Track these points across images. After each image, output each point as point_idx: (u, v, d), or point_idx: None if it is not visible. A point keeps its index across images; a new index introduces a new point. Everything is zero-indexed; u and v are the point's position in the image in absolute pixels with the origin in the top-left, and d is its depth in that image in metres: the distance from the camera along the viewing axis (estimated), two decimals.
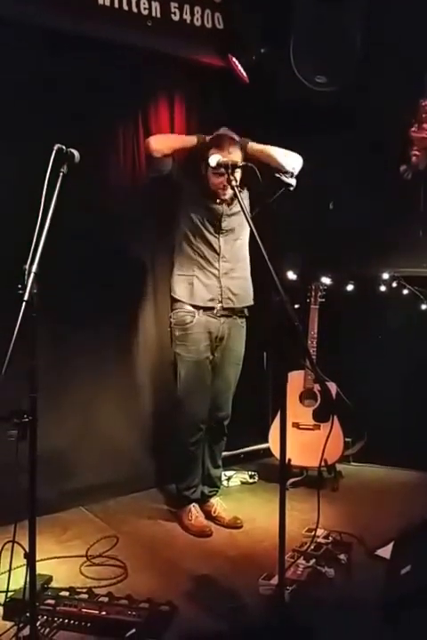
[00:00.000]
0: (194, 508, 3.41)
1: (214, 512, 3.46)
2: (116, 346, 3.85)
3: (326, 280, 4.21)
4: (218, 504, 3.52)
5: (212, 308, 3.31)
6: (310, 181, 4.13)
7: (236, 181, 2.30)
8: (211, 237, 3.28)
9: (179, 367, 3.37)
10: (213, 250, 3.29)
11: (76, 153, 2.25)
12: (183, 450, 3.40)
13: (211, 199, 3.24)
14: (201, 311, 3.30)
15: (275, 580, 2.58)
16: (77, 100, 3.45)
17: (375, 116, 3.96)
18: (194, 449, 3.41)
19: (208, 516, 3.45)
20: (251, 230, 2.24)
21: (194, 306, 3.31)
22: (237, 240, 3.35)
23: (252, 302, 3.49)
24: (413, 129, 4.05)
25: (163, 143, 3.19)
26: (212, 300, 3.31)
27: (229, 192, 3.10)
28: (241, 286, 3.39)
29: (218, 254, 3.30)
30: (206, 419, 3.41)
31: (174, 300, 3.38)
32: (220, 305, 3.32)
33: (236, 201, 3.13)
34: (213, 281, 3.31)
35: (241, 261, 3.39)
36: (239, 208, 3.09)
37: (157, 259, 3.98)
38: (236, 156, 2.98)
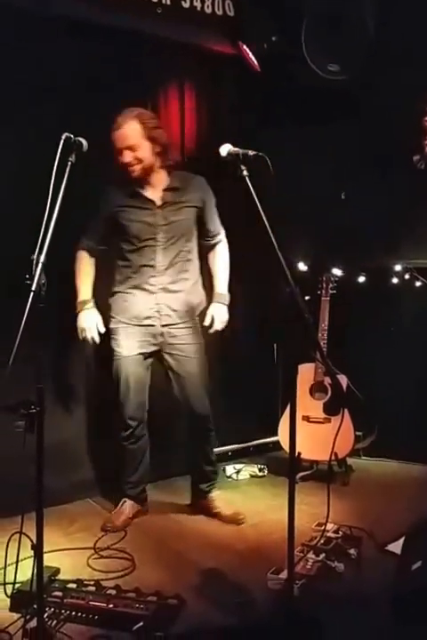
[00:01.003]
0: (124, 504, 3.33)
1: (214, 508, 3.39)
2: None
3: (337, 272, 4.18)
4: (218, 499, 3.45)
5: (150, 325, 3.21)
6: (322, 171, 4.12)
7: (247, 172, 2.27)
8: (146, 251, 3.14)
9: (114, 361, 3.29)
10: (149, 264, 3.15)
11: (84, 142, 2.24)
12: (119, 444, 3.33)
13: (144, 210, 3.13)
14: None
15: (284, 575, 2.57)
16: (85, 89, 3.43)
17: (388, 105, 3.92)
18: (127, 444, 3.31)
19: (208, 512, 3.39)
20: (261, 220, 2.21)
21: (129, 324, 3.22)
22: (180, 252, 3.20)
23: (197, 313, 3.33)
24: (426, 118, 4.01)
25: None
26: (148, 317, 3.19)
27: (138, 168, 3.10)
28: (183, 301, 3.22)
29: (154, 268, 3.15)
30: (139, 416, 3.32)
31: (111, 316, 3.26)
32: (158, 322, 3.20)
33: (174, 210, 3.15)
34: (150, 297, 3.18)
35: (185, 273, 3.23)
36: (179, 217, 3.16)
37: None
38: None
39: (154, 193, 3.17)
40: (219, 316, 3.30)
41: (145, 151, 3.10)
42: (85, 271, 3.20)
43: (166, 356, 3.27)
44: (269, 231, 2.20)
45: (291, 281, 2.20)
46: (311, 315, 2.30)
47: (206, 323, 3.26)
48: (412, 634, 2.29)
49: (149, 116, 3.19)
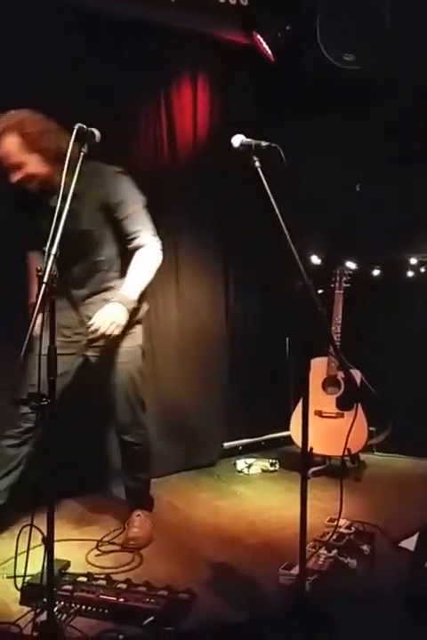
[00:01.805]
0: None
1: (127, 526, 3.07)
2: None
3: (351, 265, 4.15)
4: (135, 521, 3.06)
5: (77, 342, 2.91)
6: (336, 163, 4.09)
7: (259, 163, 2.25)
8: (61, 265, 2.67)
9: None
10: (64, 279, 2.62)
11: (96, 132, 2.23)
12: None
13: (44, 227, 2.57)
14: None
15: (296, 570, 2.56)
16: (98, 79, 3.42)
17: (404, 94, 3.88)
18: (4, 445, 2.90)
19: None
20: (274, 213, 2.19)
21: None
22: (95, 262, 2.85)
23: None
24: None
25: None
26: (77, 333, 2.91)
27: (35, 183, 2.69)
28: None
29: (69, 282, 2.84)
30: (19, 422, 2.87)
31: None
32: (83, 337, 2.88)
33: (78, 220, 2.68)
34: (72, 312, 2.91)
35: (103, 283, 2.89)
36: (88, 227, 2.76)
37: (180, 241, 3.98)
38: None
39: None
40: (107, 314, 2.70)
41: (35, 165, 2.66)
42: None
43: (91, 353, 2.98)
44: (282, 224, 2.19)
45: (304, 274, 2.18)
46: (325, 308, 2.28)
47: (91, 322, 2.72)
48: (425, 631, 2.27)
49: (32, 121, 2.64)
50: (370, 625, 2.35)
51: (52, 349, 2.04)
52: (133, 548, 2.93)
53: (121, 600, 2.40)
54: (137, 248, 2.84)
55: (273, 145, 2.23)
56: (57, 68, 3.29)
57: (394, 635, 2.31)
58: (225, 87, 4.05)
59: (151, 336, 3.91)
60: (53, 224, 2.06)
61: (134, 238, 2.84)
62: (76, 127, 2.17)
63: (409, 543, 2.90)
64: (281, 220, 2.19)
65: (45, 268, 2.02)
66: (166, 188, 3.82)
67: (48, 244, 2.06)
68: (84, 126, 2.20)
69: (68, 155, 2.10)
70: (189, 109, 3.92)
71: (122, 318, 2.73)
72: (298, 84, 3.90)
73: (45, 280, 2.01)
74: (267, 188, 2.20)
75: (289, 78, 3.92)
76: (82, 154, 2.19)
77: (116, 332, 2.73)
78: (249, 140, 2.27)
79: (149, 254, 2.85)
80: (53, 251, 2.05)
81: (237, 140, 2.29)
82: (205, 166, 3.94)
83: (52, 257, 2.04)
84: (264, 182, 2.20)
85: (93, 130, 2.23)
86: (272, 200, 2.19)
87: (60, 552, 2.70)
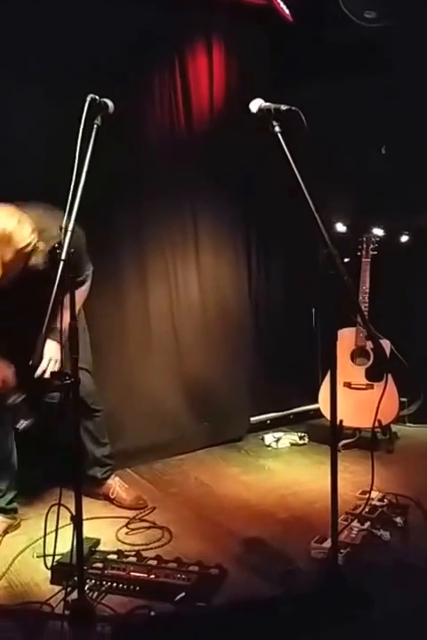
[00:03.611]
0: None
1: (112, 494, 3.21)
2: (160, 307, 3.86)
3: (378, 231, 4.08)
4: (116, 485, 3.24)
5: None
6: (360, 126, 4.01)
7: (279, 128, 2.20)
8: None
9: None
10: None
11: (109, 103, 2.20)
12: None
13: None
14: None
15: (328, 544, 2.56)
16: (110, 46, 3.35)
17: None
18: None
19: (107, 498, 3.22)
20: (295, 179, 2.15)
21: None
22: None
23: None
24: None
25: None
26: None
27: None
28: None
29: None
30: None
31: None
32: None
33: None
34: None
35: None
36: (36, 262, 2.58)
37: (199, 214, 3.94)
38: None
39: None
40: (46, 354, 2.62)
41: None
42: None
43: None
44: (305, 190, 2.14)
45: (329, 242, 2.14)
46: (352, 277, 2.24)
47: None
48: None
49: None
50: (404, 597, 2.34)
51: (73, 326, 2.05)
52: (144, 506, 3.14)
53: (152, 577, 2.43)
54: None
55: (293, 108, 2.17)
56: (69, 39, 3.24)
57: None
58: (242, 51, 3.96)
59: (172, 312, 3.91)
60: (70, 199, 2.04)
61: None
62: (89, 98, 2.13)
63: None
64: (303, 186, 2.14)
65: (63, 245, 2.01)
66: (184, 157, 3.78)
67: (65, 219, 2.05)
68: (97, 97, 2.16)
69: (81, 127, 2.06)
70: (204, 75, 3.85)
71: (58, 354, 2.63)
72: (318, 45, 3.81)
73: (63, 257, 2.00)
74: (288, 154, 2.16)
75: (309, 39, 3.83)
76: (96, 126, 2.16)
77: (57, 367, 2.65)
78: (268, 103, 2.22)
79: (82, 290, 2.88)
80: (70, 226, 2.04)
81: (256, 104, 2.24)
82: (223, 133, 3.87)
83: (69, 233, 2.03)
84: (285, 147, 2.16)
85: (106, 100, 2.20)
86: (294, 166, 2.15)
87: (90, 530, 2.74)
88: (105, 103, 2.19)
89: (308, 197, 2.16)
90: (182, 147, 3.80)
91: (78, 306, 2.78)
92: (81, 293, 2.89)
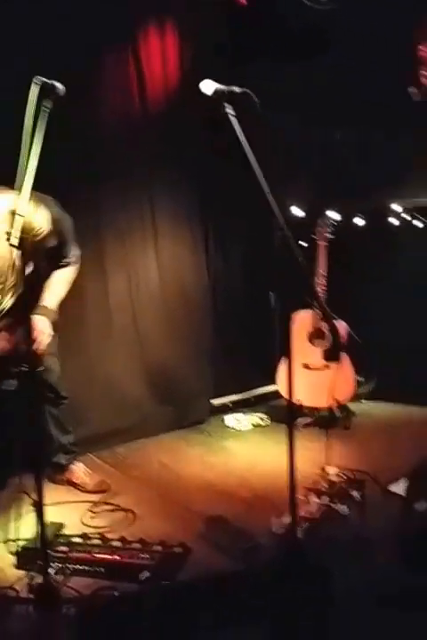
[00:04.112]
0: None
1: (76, 479, 3.24)
2: (119, 293, 3.85)
3: (334, 215, 4.14)
4: (80, 470, 3.27)
5: None
6: (316, 109, 4.03)
7: (232, 110, 2.20)
8: None
9: None
10: None
11: (59, 86, 2.13)
12: None
13: None
14: None
15: (287, 519, 2.61)
16: (62, 29, 3.29)
17: (382, 35, 3.82)
18: None
19: (70, 483, 3.24)
20: (248, 162, 2.16)
21: None
22: None
23: None
24: (421, 48, 3.92)
25: None
26: None
27: None
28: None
29: None
30: None
31: None
32: None
33: None
34: None
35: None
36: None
37: (156, 199, 3.93)
38: None
39: None
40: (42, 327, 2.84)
41: None
42: None
43: None
44: (258, 174, 2.15)
45: (283, 225, 2.16)
46: (309, 261, 2.27)
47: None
48: (416, 574, 2.33)
49: None
50: (362, 569, 2.41)
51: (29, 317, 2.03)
52: (107, 490, 3.15)
53: (116, 558, 2.44)
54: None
55: (246, 90, 2.17)
56: (19, 20, 3.16)
57: (387, 579, 2.37)
58: (195, 33, 3.94)
59: (132, 298, 3.90)
60: (21, 184, 2.02)
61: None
62: (36, 81, 2.07)
63: (399, 487, 2.96)
64: (257, 169, 2.15)
65: (14, 230, 2.00)
66: (139, 141, 3.76)
67: (16, 205, 2.03)
68: (45, 79, 2.10)
69: (28, 111, 2.02)
70: (158, 59, 3.81)
71: (49, 329, 2.88)
72: (271, 27, 3.81)
73: (15, 243, 1.99)
74: (240, 137, 2.15)
75: (262, 21, 3.82)
76: (45, 110, 2.10)
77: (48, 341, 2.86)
78: (220, 85, 2.21)
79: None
80: (21, 212, 2.02)
81: (208, 86, 2.22)
82: (178, 116, 3.85)
83: (20, 219, 2.01)
84: (237, 130, 2.15)
85: (55, 83, 2.13)
86: (247, 149, 2.15)
87: (54, 515, 2.74)
88: (54, 86, 2.12)
89: (261, 180, 2.17)
90: (138, 131, 3.77)
91: (64, 288, 3.00)
92: (65, 276, 3.01)
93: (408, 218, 4.22)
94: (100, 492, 3.16)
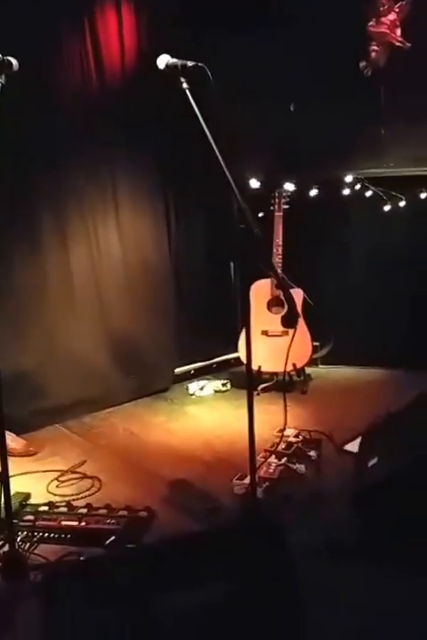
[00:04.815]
0: None
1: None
2: (82, 266, 3.78)
3: (289, 186, 4.13)
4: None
5: None
6: (269, 83, 3.99)
7: (187, 84, 2.16)
8: None
9: None
10: None
11: (14, 61, 2.07)
12: None
13: None
14: None
15: (248, 480, 2.63)
16: (15, 3, 3.18)
17: (334, 11, 3.78)
18: None
19: None
20: (204, 135, 2.12)
21: None
22: None
23: None
24: (371, 24, 3.90)
25: None
26: None
27: None
28: None
29: None
30: None
31: None
32: None
33: None
34: None
35: None
36: None
37: (117, 172, 3.86)
38: None
39: None
40: None
41: None
42: None
43: None
44: (214, 146, 2.12)
45: (239, 197, 2.14)
46: (265, 231, 2.26)
47: None
48: (369, 527, 2.38)
49: None
50: (319, 525, 2.45)
51: None
52: (34, 453, 3.19)
53: (82, 524, 2.43)
54: None
55: (199, 64, 2.13)
56: None
57: (342, 531, 2.42)
58: (151, 7, 3.84)
59: (94, 270, 3.84)
60: None
61: None
62: None
63: (353, 446, 3.00)
64: (213, 142, 2.12)
65: None
66: (98, 116, 3.67)
67: None
68: (1, 55, 2.04)
69: None
70: (114, 33, 3.71)
71: None
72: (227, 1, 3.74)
73: None
74: (196, 110, 2.12)
75: None
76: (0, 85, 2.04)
77: None
78: (175, 60, 2.17)
79: None
80: None
81: (163, 60, 2.18)
82: (136, 91, 3.77)
83: None
84: (193, 103, 2.12)
85: (10, 58, 2.06)
86: (202, 122, 2.12)
87: (21, 485, 2.71)
88: (9, 61, 2.06)
89: (217, 153, 2.14)
90: (96, 105, 3.68)
91: None
92: None
93: (358, 187, 4.23)
94: (28, 456, 3.16)
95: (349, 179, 4.25)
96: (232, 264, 4.46)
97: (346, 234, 4.34)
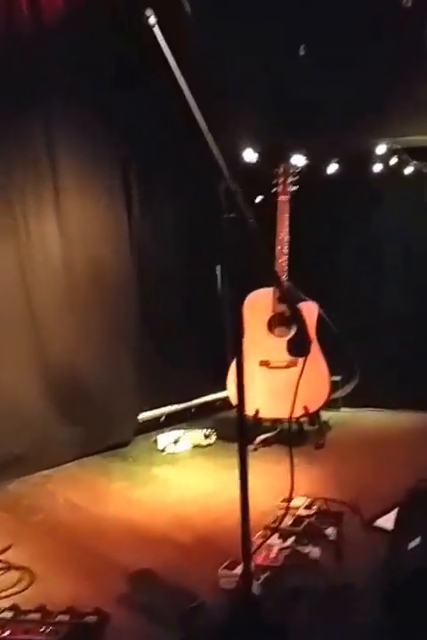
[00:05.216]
0: None
1: None
2: (6, 271, 3.81)
3: (299, 160, 4.19)
4: None
5: None
6: (273, 15, 4.05)
7: (154, 18, 2.19)
8: None
9: None
10: None
11: None
12: None
13: None
14: None
15: (240, 569, 2.64)
16: None
17: None
18: None
19: None
20: (177, 87, 2.16)
21: None
22: None
23: None
24: None
25: None
26: None
27: None
28: None
29: None
30: None
31: None
32: None
33: None
34: None
35: None
36: None
37: (57, 142, 3.90)
38: None
39: None
40: None
41: None
42: None
43: None
44: (192, 105, 2.15)
45: (226, 174, 2.18)
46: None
47: None
48: (409, 630, 2.40)
49: None
50: (339, 632, 2.46)
51: None
52: None
53: (5, 634, 2.42)
54: None
55: None
56: None
57: (370, 638, 2.44)
58: None
59: (25, 277, 3.85)
60: None
61: None
62: None
63: (387, 521, 3.03)
64: (190, 97, 2.16)
65: None
66: (29, 62, 3.72)
67: None
68: None
69: None
70: None
71: None
72: None
73: None
74: (166, 51, 2.14)
75: None
76: None
77: None
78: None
79: None
80: None
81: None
82: (83, 26, 3.83)
83: None
84: (162, 44, 2.14)
85: None
86: (174, 67, 2.14)
87: None
88: None
89: (196, 113, 2.17)
90: (27, 48, 3.73)
91: None
92: None
93: (395, 161, 4.30)
94: None
95: (381, 149, 4.32)
96: (219, 268, 4.51)
97: (376, 227, 4.40)
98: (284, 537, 2.91)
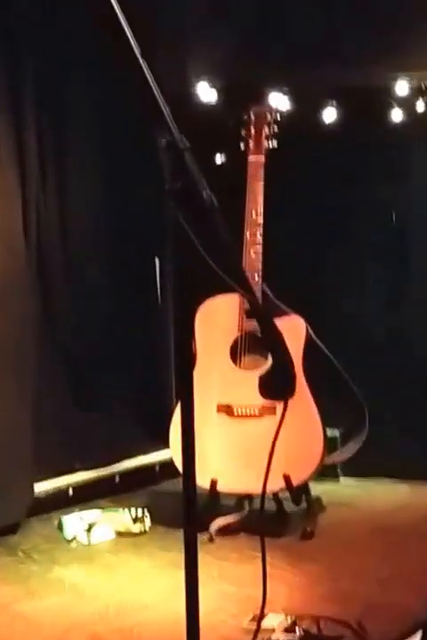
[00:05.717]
0: None
1: None
2: None
3: (279, 100, 4.24)
4: None
5: None
6: None
7: None
8: None
9: None
10: None
11: None
12: None
13: None
14: None
15: None
16: None
17: None
18: None
19: None
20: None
21: None
22: None
23: None
24: None
25: None
26: None
27: None
28: None
29: None
30: None
31: None
32: None
33: None
34: None
35: None
36: None
37: None
38: None
39: None
40: None
41: None
42: None
43: None
44: (120, 17, 2.19)
45: (171, 123, 2.21)
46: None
47: None
48: None
49: None
50: None
51: None
52: None
53: None
54: None
55: None
56: None
57: None
58: None
59: None
60: None
61: None
62: None
63: None
64: (118, 10, 2.20)
65: None
66: None
67: None
68: None
69: None
70: None
71: None
72: None
73: None
74: None
75: None
76: None
77: None
78: None
79: None
80: None
81: None
82: None
83: None
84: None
85: None
86: None
87: None
88: None
89: (128, 33, 2.21)
90: None
91: None
92: None
93: (422, 106, 4.38)
94: None
95: (401, 87, 4.39)
96: (157, 262, 4.54)
97: (394, 204, 4.46)
98: None
